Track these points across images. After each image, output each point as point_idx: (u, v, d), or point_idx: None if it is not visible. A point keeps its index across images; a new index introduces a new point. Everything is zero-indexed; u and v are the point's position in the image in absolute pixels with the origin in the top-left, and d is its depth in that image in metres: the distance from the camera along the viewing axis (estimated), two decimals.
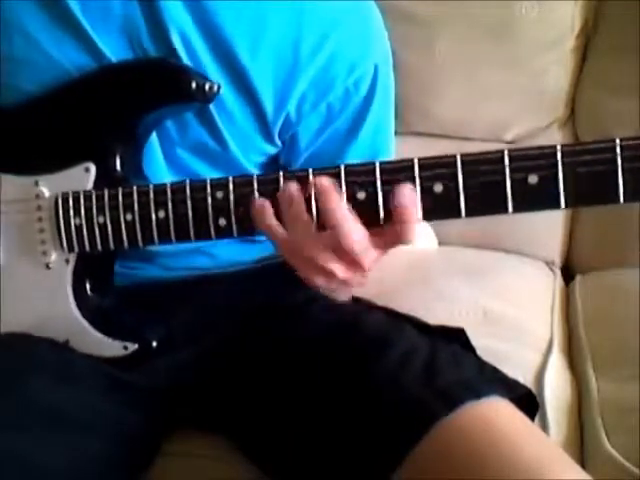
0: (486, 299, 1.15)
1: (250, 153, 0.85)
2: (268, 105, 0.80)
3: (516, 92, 1.36)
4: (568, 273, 1.37)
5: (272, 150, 0.86)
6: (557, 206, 0.61)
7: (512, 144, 1.40)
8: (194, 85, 0.75)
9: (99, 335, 0.78)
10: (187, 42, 0.76)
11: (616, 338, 1.08)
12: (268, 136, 0.83)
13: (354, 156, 0.85)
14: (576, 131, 1.40)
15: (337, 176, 0.66)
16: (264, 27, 0.78)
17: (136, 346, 0.78)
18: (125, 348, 0.78)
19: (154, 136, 0.80)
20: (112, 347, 0.78)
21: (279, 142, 0.85)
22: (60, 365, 0.77)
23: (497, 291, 1.19)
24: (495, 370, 0.79)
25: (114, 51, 0.77)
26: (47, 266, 0.78)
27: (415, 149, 0.93)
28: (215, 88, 0.76)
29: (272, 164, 0.89)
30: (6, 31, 0.76)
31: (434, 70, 1.34)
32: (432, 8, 1.33)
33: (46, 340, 0.79)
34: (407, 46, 0.86)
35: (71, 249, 0.77)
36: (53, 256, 0.78)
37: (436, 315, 0.87)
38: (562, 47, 1.33)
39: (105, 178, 0.77)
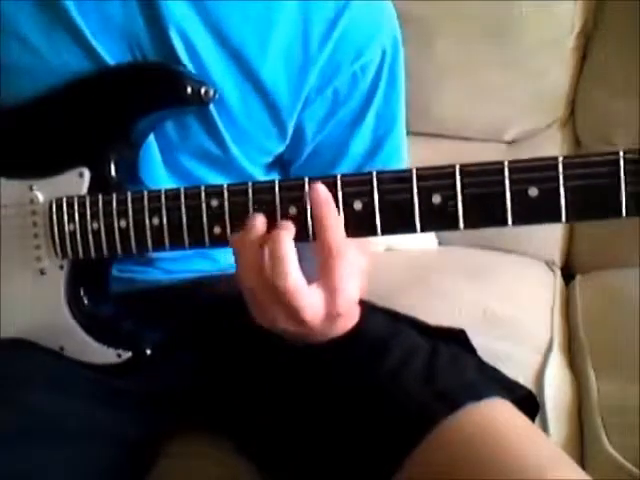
0: (486, 299, 1.15)
1: (254, 155, 0.84)
2: (283, 103, 0.79)
3: (516, 92, 1.36)
4: (568, 273, 1.37)
5: (280, 148, 0.85)
6: (558, 219, 0.59)
7: (512, 144, 1.41)
8: (189, 89, 0.73)
9: (93, 342, 0.77)
10: (189, 43, 0.75)
11: (616, 338, 1.08)
12: (281, 135, 0.82)
13: (358, 145, 0.84)
14: (576, 131, 1.40)
15: (333, 185, 0.64)
16: (271, 23, 0.77)
17: (129, 354, 0.77)
18: (119, 356, 0.77)
19: (153, 141, 0.79)
20: (105, 354, 0.77)
21: (289, 139, 0.84)
22: (56, 374, 0.77)
23: (497, 291, 1.19)
24: (496, 371, 0.79)
25: (114, 55, 0.75)
26: (41, 271, 0.77)
27: (415, 149, 0.94)
28: (211, 92, 0.74)
29: (276, 163, 0.88)
30: (3, 37, 0.75)
31: (434, 70, 1.34)
32: (432, 8, 1.33)
33: (41, 348, 0.78)
34: (406, 46, 0.85)
35: (65, 255, 0.75)
36: (47, 262, 0.77)
37: (436, 315, 0.87)
38: (562, 47, 1.33)
39: (100, 183, 0.75)
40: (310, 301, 0.63)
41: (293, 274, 0.62)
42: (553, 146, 1.38)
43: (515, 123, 1.39)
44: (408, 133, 0.90)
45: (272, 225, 0.66)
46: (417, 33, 1.28)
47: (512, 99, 1.36)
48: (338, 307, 0.64)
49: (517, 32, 1.31)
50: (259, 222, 0.65)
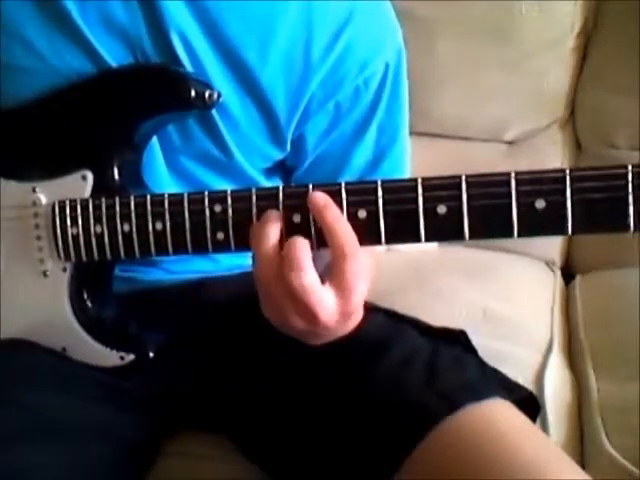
0: (486, 299, 1.15)
1: (255, 160, 0.83)
2: (280, 111, 0.78)
3: (516, 92, 1.36)
4: (568, 273, 1.37)
5: (280, 155, 0.84)
6: (564, 232, 0.59)
7: (512, 144, 1.41)
8: (193, 93, 0.72)
9: (96, 344, 0.77)
10: (189, 47, 0.74)
11: (616, 338, 1.08)
12: (279, 143, 0.82)
13: (360, 157, 0.84)
14: (576, 131, 1.40)
15: (337, 193, 0.64)
16: (273, 29, 0.76)
17: (132, 357, 0.76)
18: (122, 358, 0.77)
19: (156, 144, 0.79)
20: (109, 357, 0.77)
21: (289, 147, 0.83)
22: (58, 374, 0.77)
23: (497, 291, 1.19)
24: (496, 372, 0.79)
25: (116, 57, 0.75)
26: (44, 274, 0.77)
27: (415, 149, 0.94)
28: (215, 96, 0.73)
29: (277, 168, 0.88)
30: (5, 39, 0.74)
31: (434, 70, 1.34)
32: (432, 8, 1.33)
33: (43, 348, 0.78)
34: (407, 46, 0.85)
35: (68, 258, 0.75)
36: (50, 264, 0.76)
37: (436, 315, 0.87)
38: (562, 47, 1.33)
39: (103, 186, 0.75)
40: (325, 303, 0.62)
41: (309, 274, 0.62)
42: (553, 146, 1.38)
43: (515, 123, 1.39)
44: (409, 133, 0.90)
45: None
46: (418, 33, 1.27)
47: (512, 99, 1.36)
48: (351, 305, 0.64)
49: (517, 32, 1.31)
50: (274, 215, 0.65)
